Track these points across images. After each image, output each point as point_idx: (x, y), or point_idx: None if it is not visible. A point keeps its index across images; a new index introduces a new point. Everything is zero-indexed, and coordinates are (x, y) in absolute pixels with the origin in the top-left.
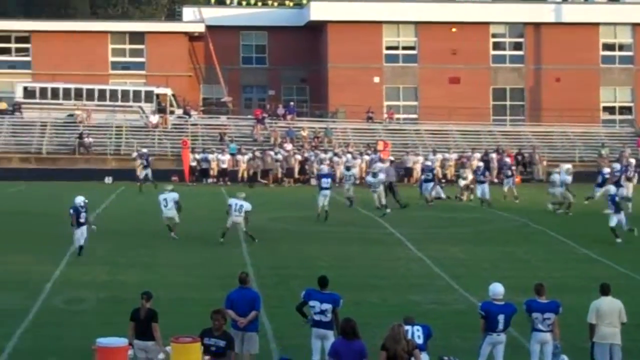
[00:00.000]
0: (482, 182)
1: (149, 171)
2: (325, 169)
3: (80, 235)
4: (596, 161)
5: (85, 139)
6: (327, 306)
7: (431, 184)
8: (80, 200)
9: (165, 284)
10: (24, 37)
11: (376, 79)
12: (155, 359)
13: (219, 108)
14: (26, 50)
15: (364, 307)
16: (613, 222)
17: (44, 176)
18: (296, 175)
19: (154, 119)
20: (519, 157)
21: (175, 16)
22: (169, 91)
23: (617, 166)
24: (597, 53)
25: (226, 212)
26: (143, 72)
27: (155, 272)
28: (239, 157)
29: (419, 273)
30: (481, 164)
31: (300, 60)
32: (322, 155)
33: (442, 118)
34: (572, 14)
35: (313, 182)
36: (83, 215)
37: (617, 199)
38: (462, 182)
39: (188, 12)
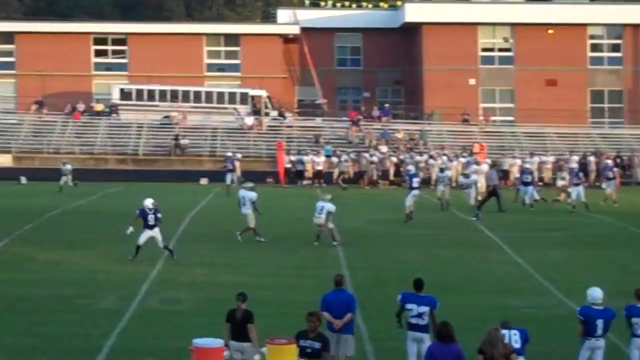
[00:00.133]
0: (577, 185)
1: (234, 176)
2: (413, 169)
3: (147, 237)
4: None
5: (181, 141)
6: (425, 309)
7: (530, 187)
8: (148, 202)
9: (261, 285)
10: (120, 40)
11: (472, 81)
12: None
13: (314, 110)
14: (123, 52)
15: (460, 311)
16: None
17: (140, 177)
18: (391, 178)
19: (249, 120)
20: (618, 160)
21: (270, 18)
22: (264, 93)
23: None
24: None
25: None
26: (238, 74)
27: (251, 273)
28: (334, 159)
29: (516, 277)
30: (576, 165)
31: (395, 62)
32: (418, 158)
33: (539, 120)
34: None
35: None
36: (151, 217)
37: None
38: (559, 183)
39: (283, 14)
